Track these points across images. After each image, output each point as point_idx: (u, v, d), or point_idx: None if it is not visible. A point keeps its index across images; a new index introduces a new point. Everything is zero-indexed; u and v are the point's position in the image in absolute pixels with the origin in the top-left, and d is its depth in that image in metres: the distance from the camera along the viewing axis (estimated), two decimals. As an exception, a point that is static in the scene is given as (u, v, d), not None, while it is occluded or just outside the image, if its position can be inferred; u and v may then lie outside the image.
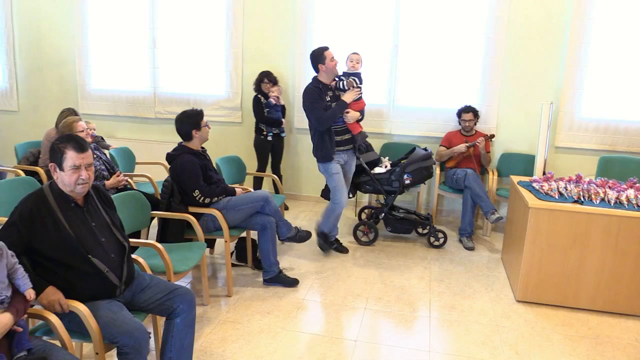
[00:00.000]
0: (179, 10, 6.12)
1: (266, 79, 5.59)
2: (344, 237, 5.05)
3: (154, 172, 4.98)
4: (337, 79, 4.36)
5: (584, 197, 3.78)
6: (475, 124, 5.28)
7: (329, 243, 4.64)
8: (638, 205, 3.66)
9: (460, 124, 5.33)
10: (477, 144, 5.09)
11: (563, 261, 3.72)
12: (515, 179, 4.37)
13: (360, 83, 4.38)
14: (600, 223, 3.61)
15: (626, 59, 5.19)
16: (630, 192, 3.73)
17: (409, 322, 3.50)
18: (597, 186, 3.85)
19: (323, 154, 4.28)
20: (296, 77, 5.94)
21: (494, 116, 5.51)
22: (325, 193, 4.95)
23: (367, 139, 5.13)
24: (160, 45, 6.24)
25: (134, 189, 4.08)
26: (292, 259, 4.48)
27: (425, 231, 4.99)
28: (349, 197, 4.84)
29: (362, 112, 4.44)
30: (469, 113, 5.24)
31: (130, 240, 2.72)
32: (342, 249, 4.71)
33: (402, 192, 4.89)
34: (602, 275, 3.68)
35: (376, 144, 5.55)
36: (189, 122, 3.70)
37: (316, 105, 4.16)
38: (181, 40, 6.18)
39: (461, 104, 5.37)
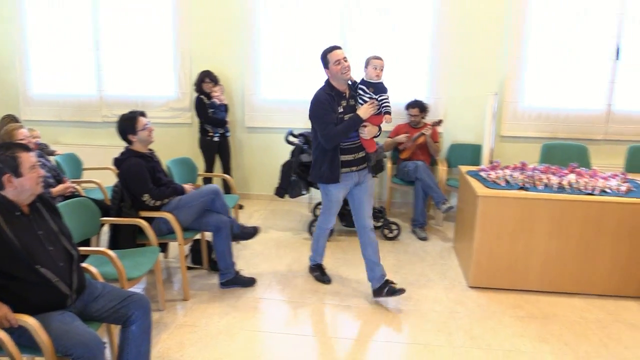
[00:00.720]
0: (123, 10, 5.97)
1: (207, 78, 5.51)
2: (299, 233, 5.07)
3: (102, 178, 4.85)
4: (354, 85, 3.65)
5: (528, 183, 3.92)
6: (422, 118, 5.38)
7: (323, 272, 4.10)
8: (579, 189, 3.82)
9: (410, 116, 5.42)
10: (424, 133, 5.18)
11: (511, 246, 3.85)
12: (464, 168, 4.49)
13: (385, 93, 3.58)
14: (545, 208, 3.76)
15: (564, 50, 5.40)
16: (572, 177, 3.90)
17: (365, 315, 3.55)
18: (541, 172, 4.00)
19: (325, 175, 3.58)
20: (245, 77, 5.90)
21: (441, 108, 5.64)
22: (280, 191, 4.95)
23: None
24: (104, 47, 6.08)
25: (82, 196, 3.97)
26: (247, 258, 4.46)
27: (379, 224, 5.07)
28: (302, 194, 4.86)
29: (380, 127, 3.68)
30: (415, 108, 5.34)
31: (80, 248, 2.65)
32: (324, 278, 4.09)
33: (355, 187, 4.94)
34: (549, 257, 3.83)
35: (328, 140, 5.58)
36: (124, 126, 3.63)
37: (325, 116, 3.44)
38: (126, 41, 6.04)
39: (410, 97, 5.46)
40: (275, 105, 5.94)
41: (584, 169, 4.11)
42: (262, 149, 6.08)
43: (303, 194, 4.88)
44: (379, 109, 3.53)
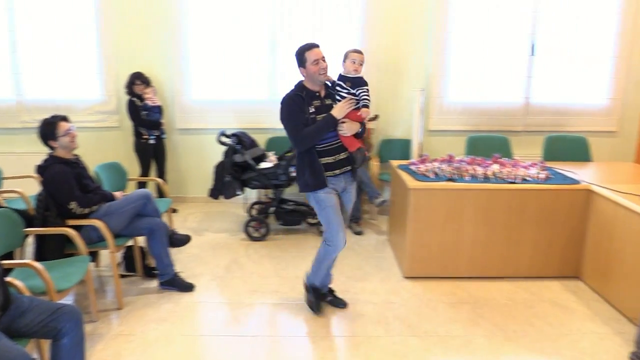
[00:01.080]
0: (41, 9, 5.69)
1: (138, 80, 5.37)
2: (236, 234, 5.04)
3: (25, 187, 4.61)
4: (332, 84, 3.38)
5: (456, 175, 4.08)
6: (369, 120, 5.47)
7: (320, 297, 3.63)
8: (502, 178, 4.02)
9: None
10: (376, 116, 5.29)
11: (442, 236, 4.00)
12: (395, 163, 4.61)
13: (364, 86, 3.34)
14: (472, 197, 3.93)
15: (484, 47, 5.65)
16: (495, 167, 4.10)
17: (306, 312, 3.59)
18: (467, 164, 4.17)
19: (310, 183, 3.25)
20: (174, 78, 5.78)
21: (372, 105, 5.73)
22: (214, 192, 4.90)
23: (252, 135, 5.15)
24: (21, 49, 5.77)
25: (3, 207, 3.77)
26: (183, 262, 4.39)
27: (315, 221, 5.12)
28: (237, 194, 4.84)
29: (363, 124, 3.39)
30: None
31: (3, 262, 2.52)
32: (339, 302, 3.67)
33: (290, 185, 4.97)
34: (477, 244, 4.01)
35: (261, 139, 5.57)
36: (44, 131, 3.47)
37: (293, 119, 3.17)
38: (46, 42, 5.76)
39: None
40: (207, 106, 5.87)
41: (506, 159, 4.33)
42: (196, 151, 5.98)
43: (238, 195, 4.86)
44: (357, 104, 3.29)
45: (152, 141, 5.45)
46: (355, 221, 5.18)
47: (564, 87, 5.82)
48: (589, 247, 3.99)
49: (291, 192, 5.67)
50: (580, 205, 3.98)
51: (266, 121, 5.83)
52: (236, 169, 4.85)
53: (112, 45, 5.72)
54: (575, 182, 4.02)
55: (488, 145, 5.08)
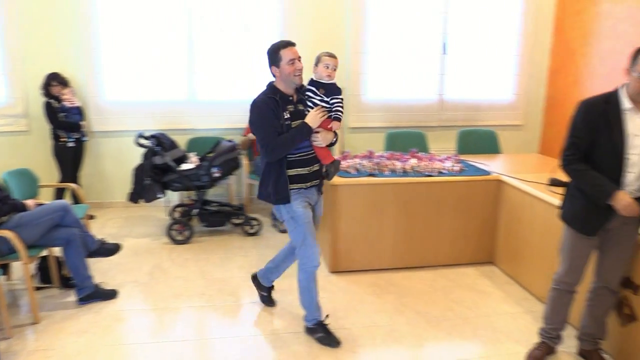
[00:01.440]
0: None
1: (54, 81, 5.10)
2: (158, 238, 4.91)
3: None
4: (301, 88, 3.11)
5: (376, 170, 4.21)
6: None
7: (327, 331, 3.25)
8: (420, 172, 4.19)
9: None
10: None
11: (365, 229, 4.12)
12: (317, 160, 4.68)
13: (339, 95, 3.10)
14: (392, 191, 4.07)
15: (400, 45, 5.84)
16: (413, 161, 4.26)
17: (233, 312, 3.58)
18: (386, 159, 4.31)
19: (272, 196, 3.02)
20: (86, 78, 5.53)
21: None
22: (134, 196, 4.75)
23: (171, 136, 5.04)
24: None
25: None
26: (103, 271, 4.22)
27: (240, 221, 5.10)
28: (158, 197, 4.72)
29: (335, 133, 3.16)
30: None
31: None
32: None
33: (213, 186, 4.92)
34: (398, 236, 4.16)
35: (181, 140, 5.46)
36: None
37: (266, 125, 2.90)
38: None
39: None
40: (123, 108, 5.67)
41: (423, 153, 4.51)
42: (113, 154, 5.76)
43: (159, 197, 4.74)
44: (329, 114, 3.05)
45: (71, 144, 5.19)
46: (279, 219, 5.20)
47: (474, 84, 6.14)
48: (501, 233, 4.25)
49: (214, 193, 5.61)
50: (491, 194, 4.22)
51: (186, 122, 5.73)
52: (156, 171, 4.73)
53: (18, 46, 5.39)
54: (487, 173, 4.26)
55: (406, 140, 5.27)
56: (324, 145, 3.06)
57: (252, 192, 5.92)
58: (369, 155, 4.40)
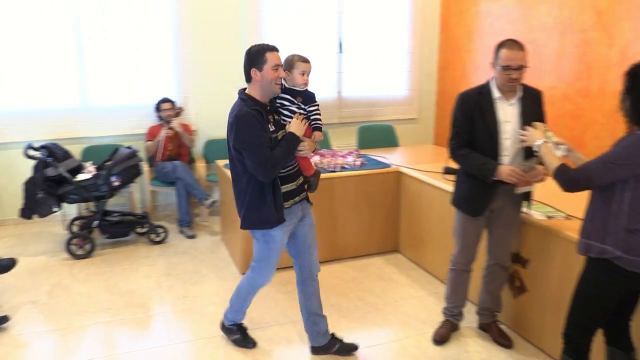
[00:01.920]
0: None
1: None
2: (56, 255, 4.63)
3: None
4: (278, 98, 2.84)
5: (281, 169, 4.25)
6: (177, 115, 5.34)
7: (245, 334, 3.23)
8: (323, 168, 4.29)
9: (160, 117, 5.35)
10: (172, 128, 5.17)
11: (274, 229, 4.15)
12: (221, 163, 4.65)
13: (316, 103, 2.90)
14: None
15: (297, 43, 5.92)
16: (316, 158, 4.36)
17: (144, 324, 3.47)
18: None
19: (272, 217, 2.72)
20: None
21: (193, 106, 5.70)
22: (26, 212, 4.45)
23: (64, 145, 4.78)
24: None
25: None
26: (-3, 294, 3.93)
27: (145, 230, 4.94)
28: (53, 211, 4.46)
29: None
30: (167, 103, 5.32)
31: None
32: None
33: (113, 195, 4.73)
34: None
35: (75, 150, 5.16)
36: None
37: (257, 141, 2.59)
38: None
39: (158, 98, 5.39)
40: (9, 118, 5.25)
41: (325, 150, 4.62)
42: (1, 168, 5.33)
43: (54, 212, 4.48)
44: (308, 122, 2.86)
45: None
46: (187, 225, 5.11)
47: (370, 81, 6.36)
48: (403, 222, 4.46)
49: (115, 203, 5.38)
50: (392, 186, 4.42)
51: (80, 130, 5.43)
52: (50, 183, 4.45)
53: None
54: (387, 165, 4.45)
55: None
56: (309, 155, 2.91)
57: (156, 198, 5.76)
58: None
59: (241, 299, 3.11)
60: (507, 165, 2.83)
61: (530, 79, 5.08)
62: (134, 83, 5.52)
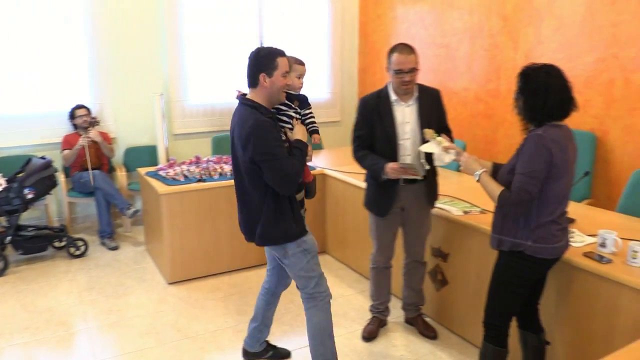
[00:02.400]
0: None
1: None
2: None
3: None
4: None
5: (205, 175, 4.20)
6: (93, 125, 5.13)
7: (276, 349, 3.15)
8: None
9: (75, 125, 5.11)
10: (91, 138, 4.96)
11: (200, 235, 4.10)
12: (143, 170, 4.53)
13: (310, 107, 2.89)
14: (223, 194, 4.10)
15: (218, 47, 5.86)
16: (241, 163, 4.34)
17: (66, 342, 3.32)
18: (214, 163, 4.33)
19: (296, 228, 2.56)
20: None
21: (110, 113, 5.50)
22: None
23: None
24: None
25: None
26: None
27: (63, 243, 4.72)
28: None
29: None
30: (81, 109, 5.10)
31: None
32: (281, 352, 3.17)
33: (27, 209, 4.48)
34: (234, 238, 4.20)
35: (-18, 163, 4.86)
36: None
37: (279, 151, 2.41)
38: None
39: (72, 105, 5.16)
40: None
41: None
42: None
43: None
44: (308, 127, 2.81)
45: None
46: (108, 236, 4.92)
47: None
48: (329, 223, 4.54)
49: (30, 217, 5.09)
50: (318, 188, 4.47)
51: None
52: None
53: None
54: (312, 168, 4.50)
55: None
56: (309, 162, 2.79)
57: (74, 210, 5.51)
58: (197, 161, 4.38)
59: (327, 339, 2.70)
60: (394, 163, 2.93)
61: (445, 81, 5.37)
62: (46, 90, 5.25)
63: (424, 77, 5.59)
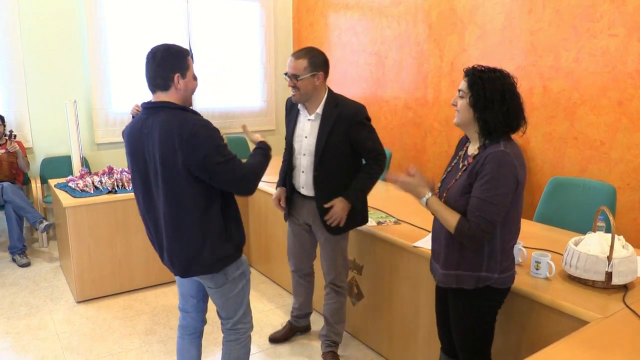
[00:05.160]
0: None
1: None
2: None
3: None
4: None
5: (117, 186, 3.98)
6: (4, 131, 4.82)
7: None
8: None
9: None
10: (10, 149, 4.66)
11: (112, 250, 3.86)
12: (53, 182, 4.26)
13: None
14: (135, 207, 3.84)
15: (143, 55, 5.61)
16: (158, 174, 4.13)
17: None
18: (129, 173, 4.10)
19: (236, 245, 2.28)
20: None
21: (26, 123, 5.18)
22: None
23: None
24: None
25: None
26: None
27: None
28: None
29: None
30: (-5, 120, 4.79)
31: None
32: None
33: None
34: (149, 253, 3.98)
35: None
36: None
37: (231, 153, 2.25)
38: None
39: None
40: None
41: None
42: None
43: None
44: None
45: None
46: (19, 253, 4.60)
47: (225, 92, 6.22)
48: (253, 235, 4.37)
49: None
50: (240, 199, 4.30)
51: None
52: None
53: None
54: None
55: (155, 153, 5.10)
56: None
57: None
58: (109, 171, 4.14)
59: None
60: (281, 189, 2.91)
61: (376, 89, 5.31)
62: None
63: (357, 85, 5.57)
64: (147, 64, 2.15)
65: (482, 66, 1.99)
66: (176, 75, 2.12)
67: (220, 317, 2.41)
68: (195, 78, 2.22)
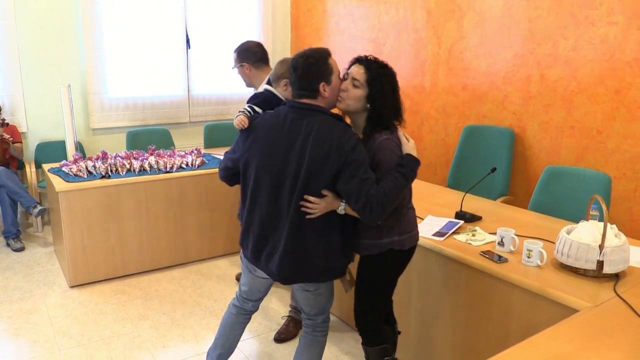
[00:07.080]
0: None
1: None
2: None
3: None
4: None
5: (111, 171, 3.95)
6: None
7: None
8: (159, 169, 4.06)
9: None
10: (3, 137, 4.65)
11: (105, 235, 3.85)
12: (47, 167, 4.23)
13: None
14: (130, 192, 3.86)
15: (141, 40, 5.57)
16: (152, 159, 4.11)
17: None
18: (123, 159, 4.08)
19: (347, 258, 2.31)
20: None
21: (20, 107, 5.14)
22: None
23: None
24: None
25: None
26: None
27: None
28: None
29: None
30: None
31: None
32: None
33: None
34: (142, 238, 3.98)
35: None
36: None
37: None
38: None
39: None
40: None
41: (163, 150, 4.37)
42: None
43: None
44: None
45: None
46: (13, 237, 4.58)
47: (221, 78, 6.17)
48: (248, 222, 4.35)
49: None
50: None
51: None
52: None
53: None
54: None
55: (149, 138, 5.09)
56: None
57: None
58: (103, 156, 4.11)
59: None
60: None
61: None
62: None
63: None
64: (291, 74, 2.15)
65: (377, 59, 2.17)
66: (321, 85, 2.09)
67: (308, 314, 2.41)
68: (340, 77, 2.19)
